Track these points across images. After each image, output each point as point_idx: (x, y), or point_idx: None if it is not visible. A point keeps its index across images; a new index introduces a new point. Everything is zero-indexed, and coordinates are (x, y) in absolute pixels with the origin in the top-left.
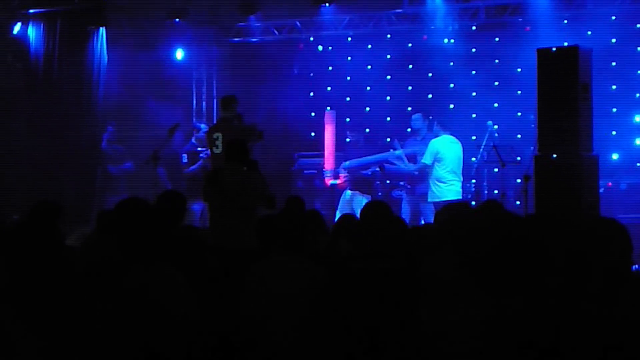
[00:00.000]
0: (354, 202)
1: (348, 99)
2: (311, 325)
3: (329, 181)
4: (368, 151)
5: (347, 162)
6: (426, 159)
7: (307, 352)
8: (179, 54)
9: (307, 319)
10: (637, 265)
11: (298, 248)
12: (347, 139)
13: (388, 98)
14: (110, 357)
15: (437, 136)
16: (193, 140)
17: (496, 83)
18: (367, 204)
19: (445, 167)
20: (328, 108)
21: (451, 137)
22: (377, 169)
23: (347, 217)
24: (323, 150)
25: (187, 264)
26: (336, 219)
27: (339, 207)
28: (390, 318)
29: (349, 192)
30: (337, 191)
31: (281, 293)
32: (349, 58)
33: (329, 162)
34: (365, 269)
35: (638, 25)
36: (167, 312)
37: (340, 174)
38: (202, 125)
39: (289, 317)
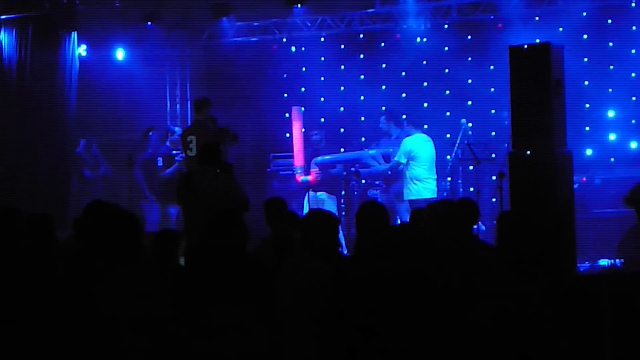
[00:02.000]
0: (319, 203)
1: (322, 99)
2: (319, 324)
3: (300, 178)
4: (329, 150)
5: (319, 158)
6: (399, 157)
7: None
8: (152, 57)
9: (316, 317)
10: (616, 260)
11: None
12: (313, 137)
13: (362, 98)
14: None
15: (409, 135)
16: (167, 143)
17: (469, 81)
18: (363, 204)
19: (420, 165)
20: (303, 109)
21: (424, 135)
22: (352, 169)
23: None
24: None
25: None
26: None
27: (305, 209)
28: (392, 320)
29: (318, 193)
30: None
31: (300, 290)
32: (322, 58)
33: (298, 158)
34: (368, 271)
35: (609, 21)
36: (141, 314)
37: (311, 170)
38: (177, 128)
39: (302, 315)
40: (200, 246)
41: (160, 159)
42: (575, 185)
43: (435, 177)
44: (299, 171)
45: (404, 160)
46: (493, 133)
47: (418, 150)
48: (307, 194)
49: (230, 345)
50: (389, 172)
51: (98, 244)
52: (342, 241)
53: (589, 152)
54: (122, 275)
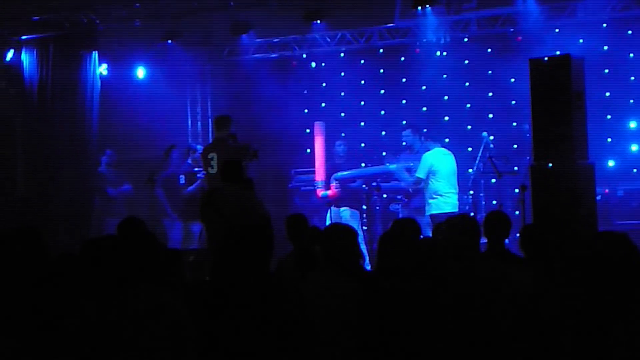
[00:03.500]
0: (344, 217)
1: (343, 114)
2: (349, 339)
3: (321, 192)
4: (349, 165)
5: (339, 174)
6: (420, 173)
7: None
8: (172, 75)
9: (348, 331)
10: None
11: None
12: (336, 147)
13: (382, 112)
14: None
15: (428, 149)
16: (189, 160)
17: (490, 94)
18: (397, 220)
19: (441, 179)
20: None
21: (443, 149)
22: (374, 184)
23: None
24: None
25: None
26: None
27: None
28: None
29: (340, 209)
30: (331, 204)
31: (325, 306)
32: (342, 74)
33: (319, 173)
34: (396, 288)
35: (629, 32)
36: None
37: (331, 184)
38: (198, 146)
39: (333, 329)
40: (227, 265)
41: (182, 176)
42: (598, 197)
43: (457, 191)
44: (319, 186)
45: (424, 176)
46: (515, 146)
47: (438, 165)
48: (329, 210)
49: None
50: (410, 189)
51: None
52: (366, 255)
53: (611, 163)
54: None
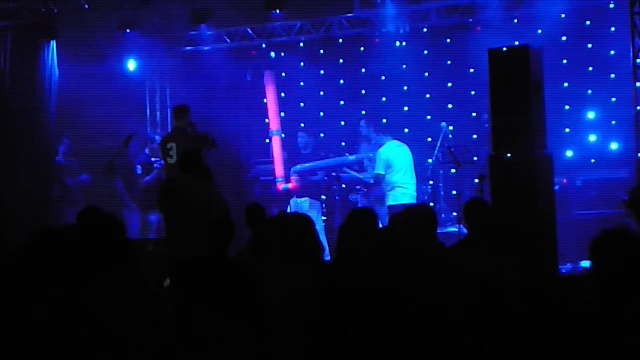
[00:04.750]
0: (304, 208)
1: (302, 104)
2: (306, 327)
3: (281, 186)
4: (315, 156)
5: (299, 166)
6: (379, 169)
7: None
8: (131, 65)
9: (303, 320)
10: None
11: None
12: (298, 139)
13: (342, 102)
14: None
15: (381, 144)
16: (146, 151)
17: (449, 84)
18: (353, 210)
19: (397, 171)
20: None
21: (396, 141)
22: (333, 174)
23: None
24: None
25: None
26: None
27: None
28: (375, 327)
29: (299, 199)
30: (291, 195)
31: (282, 293)
32: (302, 64)
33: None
34: (353, 277)
35: (588, 23)
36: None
37: (291, 177)
38: (157, 137)
39: (288, 317)
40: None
41: (139, 166)
42: (556, 187)
43: (415, 182)
44: (279, 179)
45: (383, 171)
46: (474, 136)
47: (393, 158)
48: (289, 201)
49: (223, 356)
50: (372, 182)
51: (92, 249)
52: (325, 245)
53: (569, 153)
54: (111, 281)
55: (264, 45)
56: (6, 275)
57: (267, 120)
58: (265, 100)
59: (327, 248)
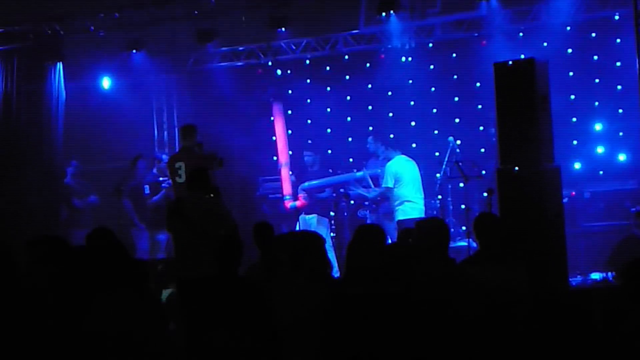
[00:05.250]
0: (312, 225)
1: (309, 121)
2: (317, 345)
3: (289, 204)
4: (322, 173)
5: (306, 184)
6: (387, 183)
7: None
8: (138, 85)
9: (314, 337)
10: (608, 273)
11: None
12: (304, 158)
13: (349, 119)
14: None
15: (389, 158)
16: (154, 170)
17: (456, 98)
18: (360, 227)
19: (406, 186)
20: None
21: (404, 156)
22: (341, 190)
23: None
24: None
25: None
26: None
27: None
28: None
29: (308, 216)
30: (300, 212)
31: (293, 311)
32: (308, 81)
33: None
34: (363, 294)
35: (593, 35)
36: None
37: (299, 195)
38: (164, 156)
39: (299, 335)
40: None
41: (146, 186)
42: (565, 200)
43: (423, 196)
44: (287, 197)
45: (392, 185)
46: (482, 150)
47: (402, 172)
48: (299, 218)
49: None
50: (379, 198)
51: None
52: (334, 262)
53: (577, 165)
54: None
55: (270, 63)
56: (18, 294)
57: (274, 138)
58: (274, 138)
59: (335, 265)
